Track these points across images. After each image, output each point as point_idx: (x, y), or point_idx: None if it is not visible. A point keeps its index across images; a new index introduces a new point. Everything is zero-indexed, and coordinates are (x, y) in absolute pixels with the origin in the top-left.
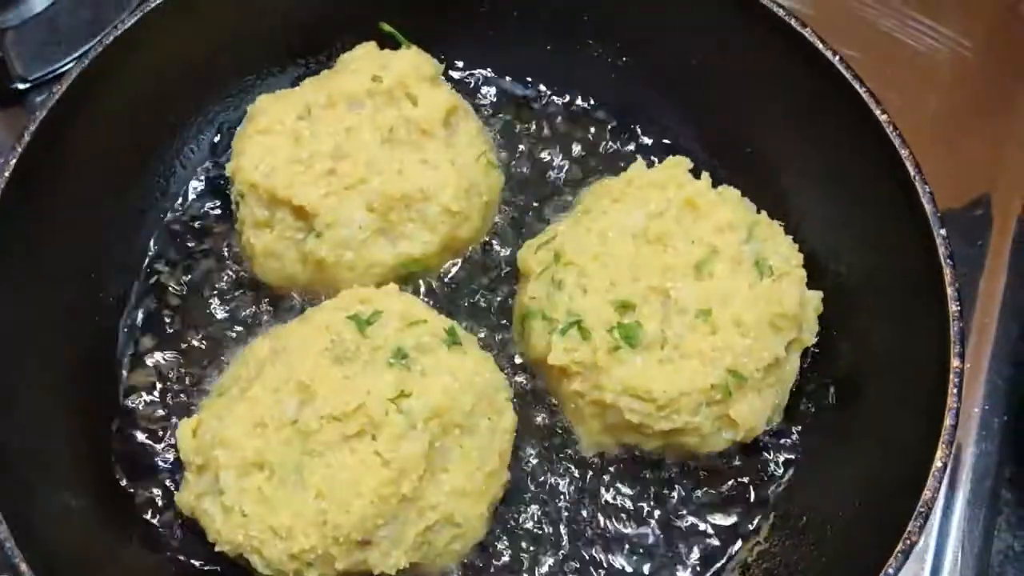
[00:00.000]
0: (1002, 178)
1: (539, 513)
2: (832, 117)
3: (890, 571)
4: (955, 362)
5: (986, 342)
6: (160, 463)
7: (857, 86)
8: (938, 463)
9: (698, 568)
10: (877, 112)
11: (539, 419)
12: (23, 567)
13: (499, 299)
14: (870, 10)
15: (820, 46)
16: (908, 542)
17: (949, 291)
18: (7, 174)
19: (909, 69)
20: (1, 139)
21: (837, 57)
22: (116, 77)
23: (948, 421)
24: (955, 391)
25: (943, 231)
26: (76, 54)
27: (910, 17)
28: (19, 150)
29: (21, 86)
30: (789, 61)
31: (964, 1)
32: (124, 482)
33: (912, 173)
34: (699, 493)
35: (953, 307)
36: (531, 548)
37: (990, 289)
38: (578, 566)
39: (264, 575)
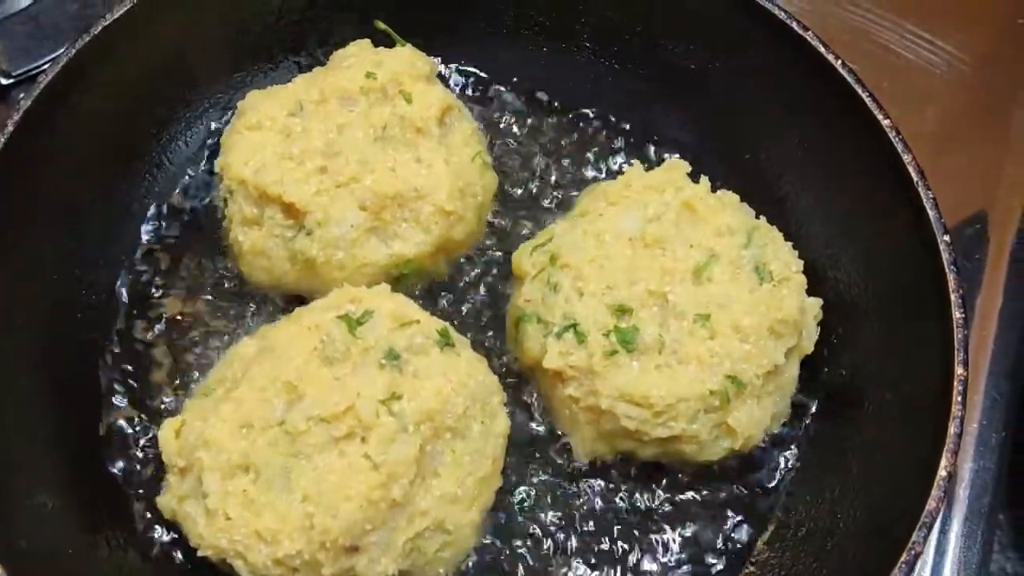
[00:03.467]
0: (999, 193)
1: (531, 522)
2: (833, 122)
3: None
4: (959, 369)
5: (984, 358)
6: (141, 465)
7: (859, 90)
8: (943, 472)
9: None
10: (880, 116)
11: (532, 425)
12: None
13: (493, 302)
14: (869, 23)
15: (822, 50)
16: (912, 552)
17: (953, 297)
18: None
19: (907, 82)
20: None
21: (840, 62)
22: (102, 70)
23: (953, 429)
24: (959, 399)
25: (947, 237)
26: (61, 50)
27: (909, 31)
28: (2, 139)
29: (4, 81)
30: (790, 66)
31: (963, 15)
32: (103, 483)
33: (915, 178)
34: (696, 503)
35: (957, 313)
36: (523, 557)
37: (987, 305)
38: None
39: None
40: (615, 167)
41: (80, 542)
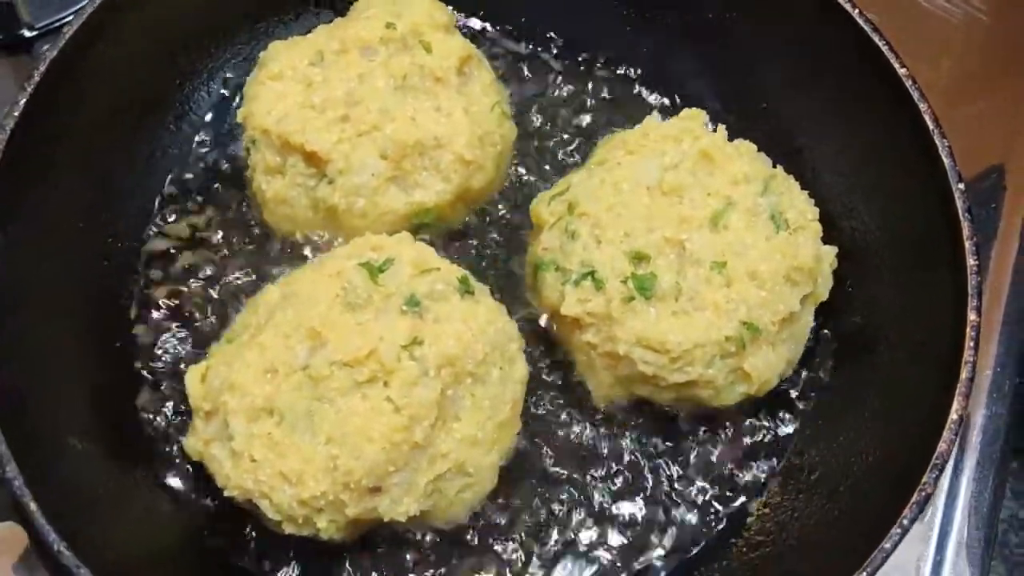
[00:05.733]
0: (1017, 143)
1: (550, 465)
2: (850, 71)
3: (904, 522)
4: (972, 316)
5: (998, 306)
6: (167, 409)
7: (877, 40)
8: (954, 415)
9: (709, 521)
10: (896, 66)
11: (550, 371)
12: (32, 506)
13: (511, 250)
14: None
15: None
16: (923, 493)
17: (967, 245)
18: (16, 116)
19: (923, 33)
20: (8, 87)
21: (857, 11)
22: (126, 20)
23: (965, 374)
24: (972, 344)
25: (961, 185)
26: (84, 1)
27: None
28: (28, 90)
29: (28, 34)
30: (807, 15)
31: None
32: (131, 427)
33: (931, 127)
34: (711, 447)
35: (971, 260)
36: (542, 500)
37: (1003, 254)
38: (589, 518)
39: (273, 521)
40: (633, 117)
41: (110, 483)
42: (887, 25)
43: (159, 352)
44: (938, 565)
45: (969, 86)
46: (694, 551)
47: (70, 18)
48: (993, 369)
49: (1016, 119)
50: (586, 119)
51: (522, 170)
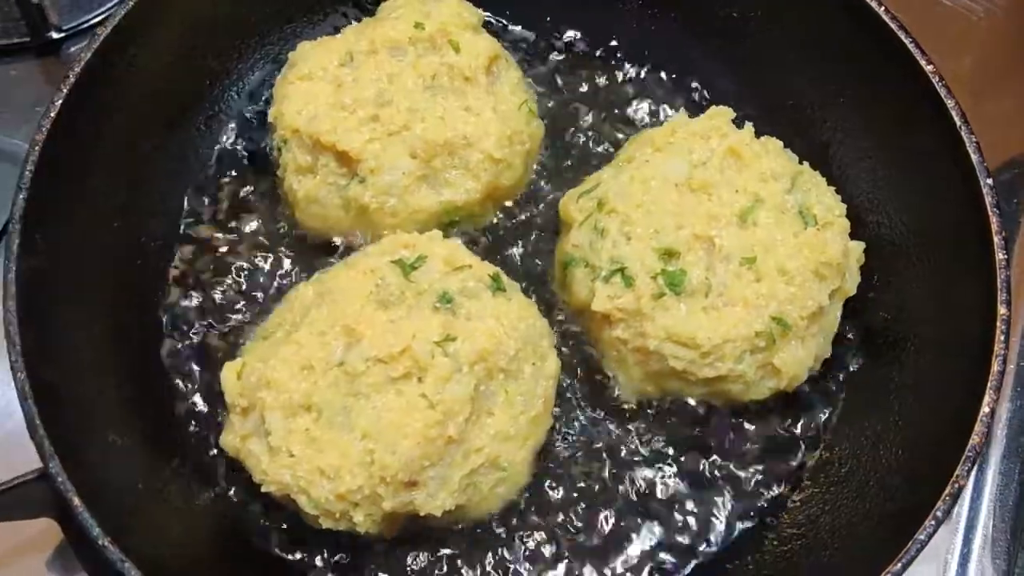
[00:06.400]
0: None
1: (581, 459)
2: (875, 68)
3: (939, 514)
4: (1002, 310)
5: (1020, 298)
6: (202, 405)
7: (903, 37)
8: (986, 408)
9: (739, 514)
10: (923, 62)
11: (581, 366)
12: (76, 501)
13: (540, 248)
14: None
15: None
16: (957, 485)
17: (996, 240)
18: (51, 118)
19: (944, 28)
20: (37, 88)
21: (883, 8)
22: (158, 23)
23: (996, 367)
24: (1002, 337)
25: (990, 180)
26: (111, 3)
27: None
28: (64, 91)
29: (56, 35)
30: (831, 13)
31: None
32: (168, 423)
33: (958, 123)
34: (740, 441)
35: (1000, 255)
36: (573, 494)
37: None
38: (619, 511)
39: (311, 515)
40: (660, 115)
41: (149, 477)
42: (908, 21)
43: (193, 349)
44: (965, 558)
45: (990, 81)
46: (726, 544)
47: (98, 20)
48: (1017, 363)
49: None
50: (613, 117)
51: (550, 168)
